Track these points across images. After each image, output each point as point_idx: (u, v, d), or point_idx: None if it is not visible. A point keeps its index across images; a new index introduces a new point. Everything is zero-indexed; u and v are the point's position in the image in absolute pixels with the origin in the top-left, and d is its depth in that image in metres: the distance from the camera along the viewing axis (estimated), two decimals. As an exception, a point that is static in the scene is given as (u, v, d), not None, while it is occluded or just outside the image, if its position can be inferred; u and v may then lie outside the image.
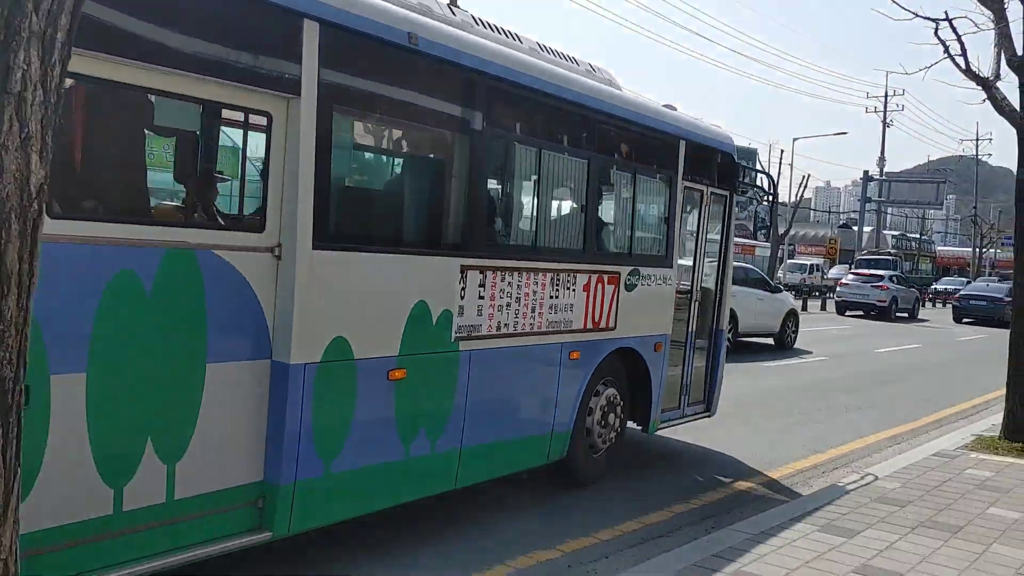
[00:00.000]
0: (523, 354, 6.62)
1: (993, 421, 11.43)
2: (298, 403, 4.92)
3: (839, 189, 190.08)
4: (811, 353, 19.81)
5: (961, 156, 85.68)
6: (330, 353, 5.07)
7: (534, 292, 6.63)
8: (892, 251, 52.25)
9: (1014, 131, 9.74)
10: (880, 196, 54.22)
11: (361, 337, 5.24)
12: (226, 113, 4.82)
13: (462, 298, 5.95)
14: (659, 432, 8.92)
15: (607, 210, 7.72)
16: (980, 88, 9.91)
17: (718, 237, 9.23)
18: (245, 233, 4.80)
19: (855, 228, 59.64)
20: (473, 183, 6.02)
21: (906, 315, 34.86)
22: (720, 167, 8.95)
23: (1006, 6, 10.05)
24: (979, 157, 79.93)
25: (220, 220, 4.91)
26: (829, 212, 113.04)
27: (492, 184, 6.34)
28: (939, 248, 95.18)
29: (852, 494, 7.44)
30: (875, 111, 59.93)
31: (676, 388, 8.78)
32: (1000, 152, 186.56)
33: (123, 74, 4.17)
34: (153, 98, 4.48)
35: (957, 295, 37.98)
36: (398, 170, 5.97)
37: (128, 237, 4.24)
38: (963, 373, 18.35)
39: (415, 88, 5.72)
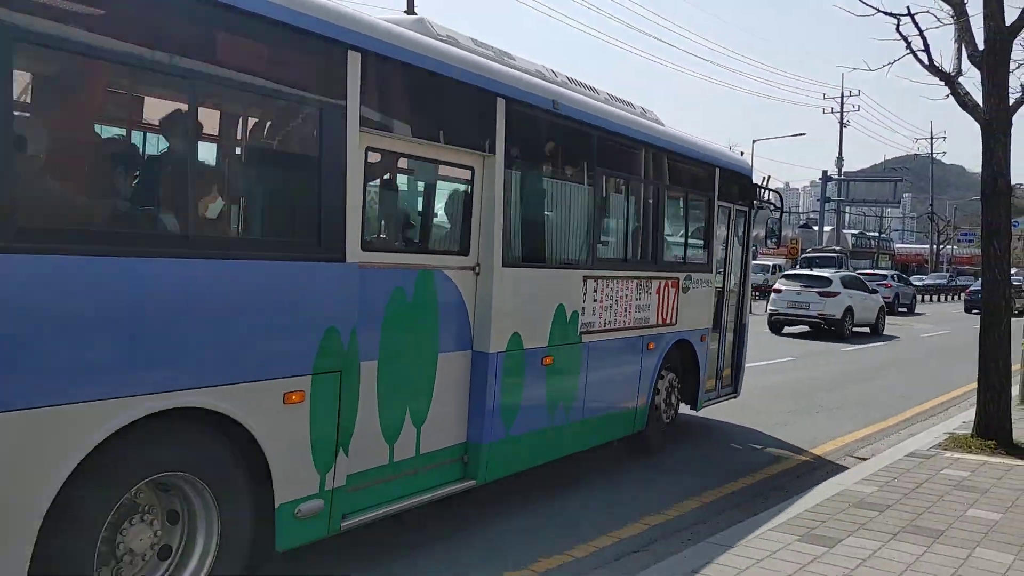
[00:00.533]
0: (619, 345, 8.30)
1: (964, 418, 11.35)
2: (493, 383, 6.50)
3: (798, 190, 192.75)
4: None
5: (916, 155, 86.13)
6: (511, 344, 6.69)
7: (625, 296, 8.33)
8: (836, 248, 52.58)
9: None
10: (839, 196, 54.70)
11: (527, 332, 6.88)
12: (445, 169, 6.55)
13: (583, 301, 7.63)
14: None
15: (670, 227, 9.35)
16: (943, 84, 9.82)
17: (741, 246, 11.00)
18: (458, 256, 6.40)
19: (815, 228, 60.02)
20: (589, 212, 7.73)
21: (905, 309, 37.82)
22: (741, 188, 10.75)
23: (966, 1, 10.00)
24: (934, 155, 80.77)
25: (444, 248, 6.51)
26: (789, 212, 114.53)
27: (600, 210, 7.99)
28: (897, 245, 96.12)
29: (830, 499, 7.26)
30: (832, 112, 60.44)
31: (712, 373, 10.45)
32: (953, 150, 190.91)
33: (406, 148, 5.97)
34: (406, 162, 6.29)
35: (968, 289, 42.40)
36: (545, 205, 7.38)
37: (400, 263, 5.86)
38: (931, 369, 18.37)
39: (555, 142, 7.40)
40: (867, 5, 9.49)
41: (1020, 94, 10.21)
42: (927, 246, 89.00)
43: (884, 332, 26.82)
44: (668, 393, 9.48)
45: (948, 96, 9.80)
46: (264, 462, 4.78)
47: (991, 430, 9.72)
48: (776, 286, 25.64)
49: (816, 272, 26.92)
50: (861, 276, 28.66)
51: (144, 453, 4.28)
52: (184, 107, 4.42)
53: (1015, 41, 9.66)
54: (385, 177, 6.16)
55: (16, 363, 3.69)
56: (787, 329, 25.50)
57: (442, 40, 6.33)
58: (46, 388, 3.80)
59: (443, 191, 6.69)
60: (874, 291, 27.26)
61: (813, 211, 78.33)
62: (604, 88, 8.57)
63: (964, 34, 9.87)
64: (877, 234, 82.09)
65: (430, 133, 6.03)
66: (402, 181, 6.49)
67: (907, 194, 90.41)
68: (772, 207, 11.70)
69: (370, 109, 5.39)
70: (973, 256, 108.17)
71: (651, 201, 8.86)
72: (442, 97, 6.12)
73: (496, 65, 6.72)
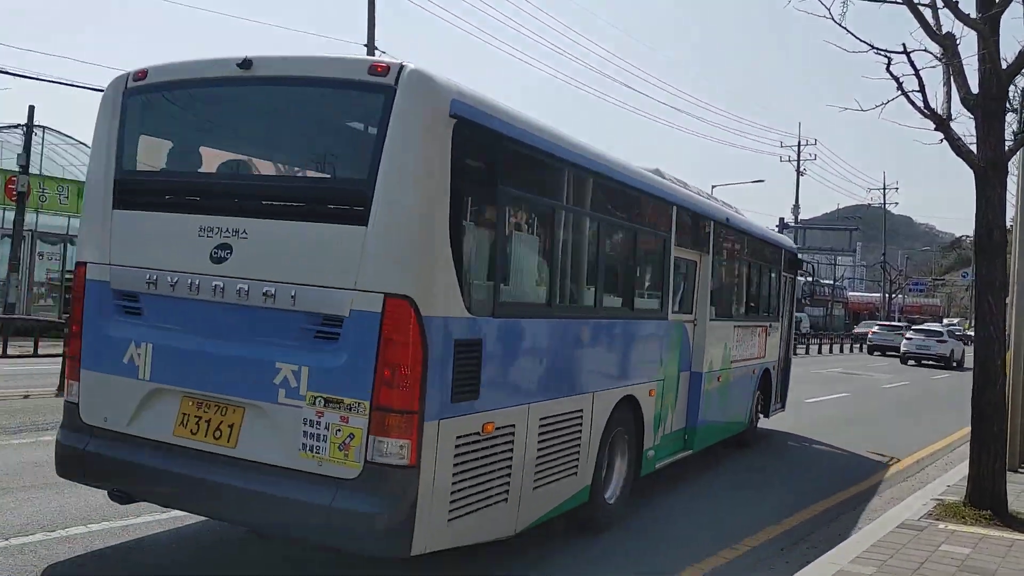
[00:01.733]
0: (744, 370, 12.39)
1: (948, 482, 10.68)
2: (700, 390, 10.37)
3: None
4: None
5: (869, 205, 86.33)
6: (708, 368, 10.63)
7: (747, 338, 12.49)
8: None
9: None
10: (796, 243, 54.65)
11: (714, 360, 10.87)
12: (687, 264, 10.33)
13: (733, 341, 11.70)
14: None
15: (762, 290, 13.57)
16: (935, 128, 9.22)
17: (790, 301, 15.35)
18: (687, 314, 10.25)
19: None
20: (737, 282, 12.30)
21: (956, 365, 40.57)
22: (791, 262, 15.20)
23: (958, 42, 9.44)
24: (886, 206, 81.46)
25: (684, 310, 10.21)
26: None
27: (740, 280, 12.51)
28: (849, 294, 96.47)
29: (827, 583, 6.49)
30: (789, 160, 60.59)
31: (776, 393, 14.65)
32: (904, 201, 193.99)
33: (680, 253, 9.81)
34: (675, 259, 9.67)
35: None
36: (724, 281, 11.57)
37: (676, 319, 9.75)
38: (898, 423, 17.78)
39: (726, 242, 11.52)
40: (860, 41, 8.87)
41: (1012, 141, 9.68)
42: (878, 295, 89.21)
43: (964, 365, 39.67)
44: (757, 405, 13.51)
45: (942, 141, 9.20)
46: (641, 426, 8.63)
47: (985, 498, 9.03)
48: (907, 335, 41.71)
49: (933, 327, 44.77)
50: (956, 331, 46.73)
51: (620, 415, 8.11)
52: (631, 245, 8.72)
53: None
54: (679, 272, 10.00)
55: (603, 372, 7.90)
56: (910, 362, 40.35)
57: (671, 181, 9.99)
58: (606, 382, 7.84)
59: (684, 275, 10.30)
60: (962, 338, 44.79)
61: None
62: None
63: (957, 76, 9.30)
64: (832, 282, 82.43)
65: (689, 243, 10.10)
66: (671, 271, 9.56)
67: (858, 243, 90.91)
68: (808, 276, 16.49)
69: (675, 235, 9.53)
70: (923, 305, 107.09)
71: (755, 272, 13.12)
72: (693, 222, 10.27)
73: (707, 200, 11.12)
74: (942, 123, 9.13)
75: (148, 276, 5.86)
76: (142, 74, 6.14)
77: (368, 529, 5.02)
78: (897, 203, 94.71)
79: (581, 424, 7.30)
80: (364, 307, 5.16)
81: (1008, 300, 9.79)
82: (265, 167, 6.13)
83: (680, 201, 9.70)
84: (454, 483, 5.46)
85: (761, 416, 13.93)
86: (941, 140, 9.21)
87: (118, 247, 6.06)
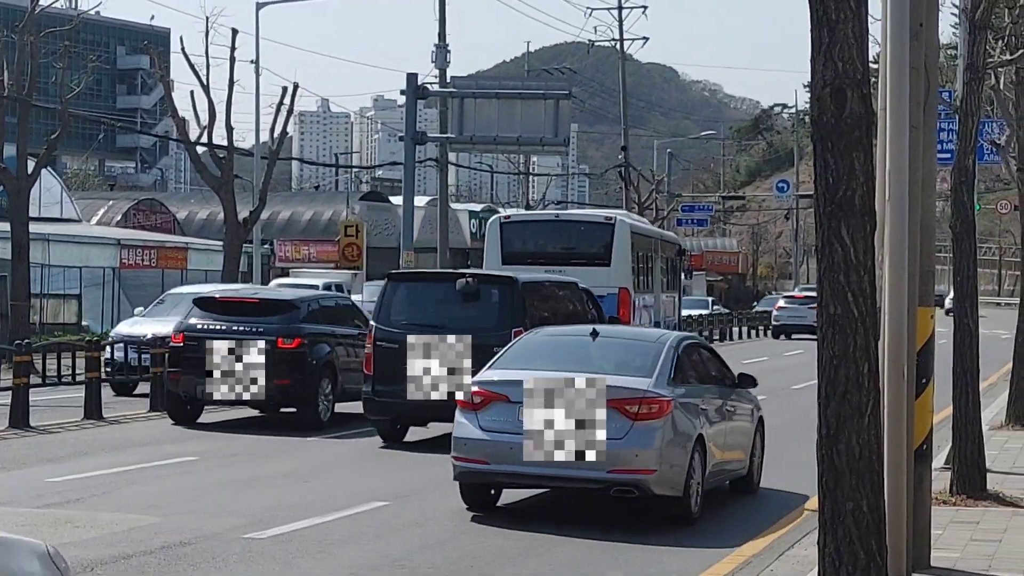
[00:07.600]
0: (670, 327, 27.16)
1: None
2: None
3: (352, 115, 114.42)
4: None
5: (590, 43, 48.04)
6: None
7: (670, 303, 29.55)
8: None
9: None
10: (447, 131, 26.14)
11: (663, 322, 28.24)
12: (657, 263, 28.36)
13: (667, 306, 29.71)
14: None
15: (671, 272, 28.49)
16: None
17: (677, 282, 30.04)
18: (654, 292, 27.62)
19: (394, 202, 36.60)
20: (664, 267, 29.30)
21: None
22: (678, 250, 29.62)
23: None
24: (625, 44, 46.11)
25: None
26: (335, 167, 64.96)
27: (664, 267, 28.45)
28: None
29: None
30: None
31: None
32: (663, 36, 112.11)
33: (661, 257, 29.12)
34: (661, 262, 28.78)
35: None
36: (664, 266, 28.02)
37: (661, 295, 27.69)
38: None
39: (662, 246, 29.09)
40: None
41: None
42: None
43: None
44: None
45: None
46: None
47: None
48: (779, 304, 41.04)
49: (810, 293, 41.45)
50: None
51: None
52: (656, 257, 26.85)
53: None
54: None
55: (656, 319, 25.70)
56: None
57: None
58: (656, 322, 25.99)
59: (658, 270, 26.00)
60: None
61: (391, 164, 46.93)
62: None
63: None
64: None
65: (661, 251, 26.46)
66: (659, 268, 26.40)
67: (573, 126, 46.39)
68: (684, 254, 31.60)
69: (661, 250, 27.11)
70: (708, 252, 60.38)
71: (670, 262, 27.30)
72: (660, 241, 27.83)
73: (651, 225, 34.25)
74: None
75: None
76: (508, 217, 24.18)
77: None
78: (647, 39, 47.60)
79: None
80: (612, 291, 19.97)
81: (879, 237, 5.01)
82: (566, 247, 21.58)
83: (660, 235, 27.58)
84: None
85: None
86: None
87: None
